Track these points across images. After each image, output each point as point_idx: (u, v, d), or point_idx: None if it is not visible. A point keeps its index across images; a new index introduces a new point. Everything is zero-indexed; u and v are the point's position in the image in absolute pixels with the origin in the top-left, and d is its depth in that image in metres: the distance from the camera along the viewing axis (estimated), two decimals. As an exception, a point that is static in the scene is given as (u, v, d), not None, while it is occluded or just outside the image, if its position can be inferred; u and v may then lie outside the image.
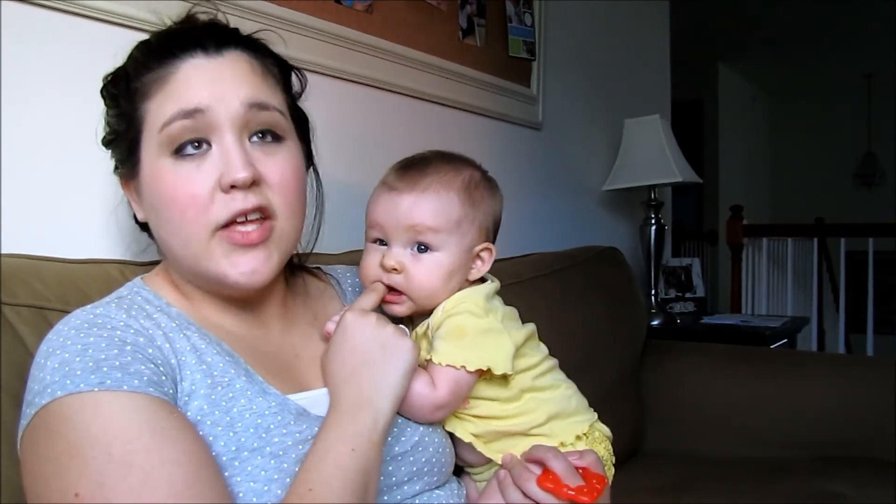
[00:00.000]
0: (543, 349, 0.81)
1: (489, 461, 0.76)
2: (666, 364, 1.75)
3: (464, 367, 0.70)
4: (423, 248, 0.74)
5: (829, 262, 3.99)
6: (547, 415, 0.75)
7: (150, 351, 0.62)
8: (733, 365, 1.69)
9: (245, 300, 0.72)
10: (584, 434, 0.77)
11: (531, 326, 0.79)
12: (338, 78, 1.35)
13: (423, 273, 0.74)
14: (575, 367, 1.42)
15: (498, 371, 0.71)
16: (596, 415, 0.81)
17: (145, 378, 0.58)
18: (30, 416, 0.57)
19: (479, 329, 0.73)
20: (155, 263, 0.81)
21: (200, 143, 0.65)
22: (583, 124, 2.25)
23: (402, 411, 0.71)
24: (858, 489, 1.31)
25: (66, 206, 0.94)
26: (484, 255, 0.78)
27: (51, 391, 0.56)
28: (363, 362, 0.67)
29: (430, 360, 0.72)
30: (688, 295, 2.54)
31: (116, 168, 0.73)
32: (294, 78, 0.77)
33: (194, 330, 0.67)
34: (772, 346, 2.14)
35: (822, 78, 5.69)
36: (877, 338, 3.29)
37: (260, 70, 0.69)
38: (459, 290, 0.76)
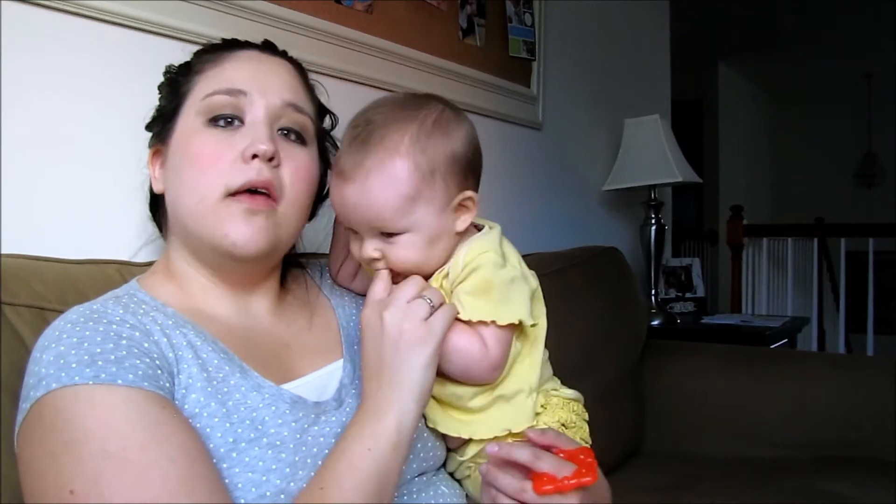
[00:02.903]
0: (543, 309, 0.77)
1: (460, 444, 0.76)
2: (666, 364, 1.75)
3: (494, 321, 0.68)
4: (391, 233, 0.70)
5: (830, 262, 3.99)
6: (529, 385, 0.73)
7: (146, 345, 0.62)
8: (733, 365, 1.69)
9: (237, 284, 0.74)
10: (543, 406, 0.75)
11: (537, 281, 0.77)
12: (338, 78, 1.35)
13: (402, 255, 0.71)
14: (575, 366, 1.42)
15: (527, 323, 0.70)
16: (558, 381, 0.79)
17: (140, 372, 0.59)
18: (25, 411, 0.57)
19: (504, 280, 0.70)
20: (151, 264, 0.81)
21: (233, 119, 0.70)
22: (583, 124, 2.25)
23: (458, 375, 0.70)
24: (858, 489, 1.31)
25: (66, 207, 0.94)
26: (467, 202, 0.72)
27: (45, 384, 0.56)
28: (380, 364, 0.66)
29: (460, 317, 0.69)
30: (688, 295, 2.54)
31: (151, 142, 0.77)
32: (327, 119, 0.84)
33: (190, 328, 0.68)
34: (772, 346, 2.14)
35: (822, 78, 5.69)
36: (877, 338, 3.29)
37: (300, 80, 0.77)
38: (452, 245, 0.73)
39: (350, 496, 0.59)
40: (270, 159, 0.69)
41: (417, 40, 1.52)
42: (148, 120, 0.78)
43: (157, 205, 0.80)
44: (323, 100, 0.84)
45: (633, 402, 1.65)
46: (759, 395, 1.61)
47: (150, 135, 0.78)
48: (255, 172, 0.68)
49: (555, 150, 2.09)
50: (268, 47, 0.78)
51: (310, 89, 0.80)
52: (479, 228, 0.77)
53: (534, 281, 0.76)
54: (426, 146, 0.69)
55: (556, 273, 1.51)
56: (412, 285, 0.69)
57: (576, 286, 1.55)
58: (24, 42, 0.89)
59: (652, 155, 2.18)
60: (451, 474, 0.80)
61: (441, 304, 0.69)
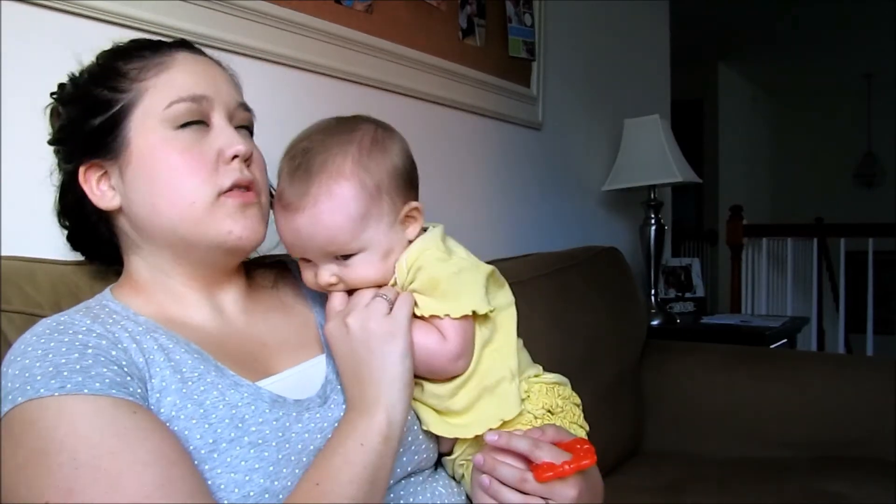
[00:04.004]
0: (508, 294, 0.78)
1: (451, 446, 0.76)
2: (666, 364, 1.75)
3: (447, 315, 0.69)
4: (346, 256, 0.71)
5: (829, 262, 3.99)
6: (510, 370, 0.73)
7: (114, 353, 0.61)
8: (733, 365, 1.69)
9: (211, 282, 0.74)
10: (526, 392, 0.75)
11: (491, 267, 0.76)
12: (338, 78, 1.35)
13: (359, 274, 0.72)
14: (575, 366, 1.42)
15: (481, 312, 0.70)
16: (540, 367, 0.80)
17: (107, 380, 0.58)
18: None
19: (450, 273, 0.71)
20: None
21: (201, 123, 0.71)
22: (583, 124, 2.25)
23: (422, 371, 0.71)
24: (858, 489, 1.31)
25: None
26: (413, 213, 0.74)
27: (11, 398, 0.56)
28: (357, 367, 0.68)
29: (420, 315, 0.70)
30: (688, 295, 2.54)
31: (70, 161, 0.72)
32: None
33: (162, 332, 0.68)
34: (772, 346, 2.14)
35: (822, 78, 5.69)
36: (877, 338, 3.28)
37: (232, 77, 0.78)
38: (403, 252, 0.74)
39: (346, 490, 0.60)
40: (246, 158, 0.72)
41: (417, 40, 1.52)
42: (50, 136, 0.74)
43: (84, 227, 0.76)
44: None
45: (633, 402, 1.64)
46: (759, 395, 1.61)
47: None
48: (239, 172, 0.70)
49: (555, 150, 2.09)
50: (191, 47, 0.76)
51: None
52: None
53: (487, 266, 0.76)
54: (368, 165, 0.70)
55: (556, 273, 1.51)
56: (366, 291, 0.72)
57: (576, 286, 1.55)
58: (24, 42, 0.89)
59: (652, 155, 2.18)
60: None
61: (397, 298, 0.70)
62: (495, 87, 1.78)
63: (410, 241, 0.74)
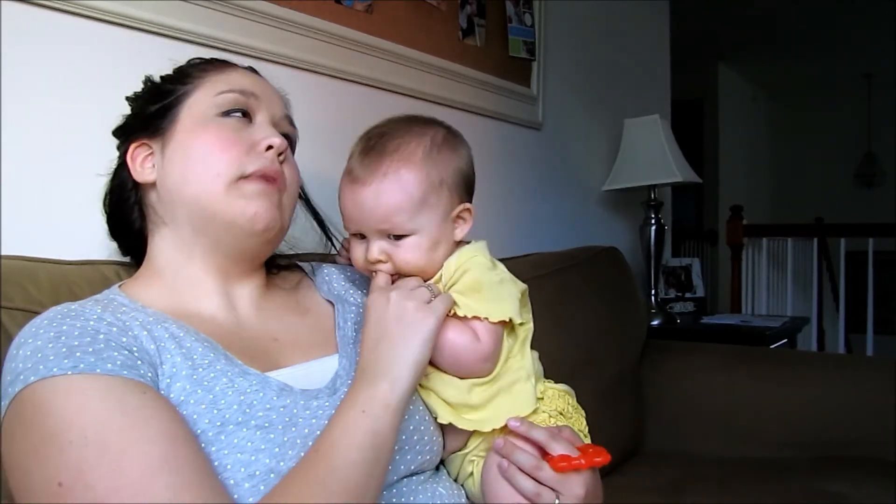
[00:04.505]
0: (529, 313, 0.82)
1: (464, 444, 0.78)
2: (666, 364, 1.75)
3: (487, 318, 0.73)
4: (398, 236, 0.75)
5: (829, 262, 3.99)
6: (526, 371, 0.78)
7: (125, 339, 0.62)
8: (733, 365, 1.69)
9: (229, 272, 0.76)
10: (542, 393, 0.79)
11: (525, 285, 0.82)
12: (338, 78, 1.35)
13: (407, 256, 0.76)
14: (575, 367, 1.42)
15: (516, 321, 0.75)
16: (550, 381, 0.84)
17: (119, 363, 0.59)
18: (5, 408, 0.57)
19: (494, 281, 0.76)
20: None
21: (245, 115, 0.76)
22: (583, 124, 2.25)
23: (448, 366, 0.74)
24: (858, 489, 1.31)
25: (66, 207, 0.94)
26: (464, 214, 0.79)
27: (23, 378, 0.56)
28: (381, 336, 0.69)
29: (456, 314, 0.73)
30: (688, 295, 2.54)
31: (125, 142, 0.79)
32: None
33: (172, 322, 0.69)
34: (772, 346, 2.14)
35: (822, 78, 5.69)
36: (877, 338, 3.28)
37: (285, 101, 0.84)
38: (449, 252, 0.78)
39: (346, 455, 0.60)
40: (280, 153, 0.75)
41: (417, 40, 1.52)
42: (117, 125, 0.81)
43: (123, 212, 0.80)
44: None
45: (633, 402, 1.64)
46: (759, 395, 1.61)
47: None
48: (269, 161, 0.74)
49: (555, 150, 2.09)
50: (254, 70, 0.84)
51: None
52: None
53: (522, 284, 0.81)
54: (437, 159, 0.76)
55: (556, 273, 1.51)
56: (414, 278, 0.76)
57: (576, 286, 1.55)
58: (25, 42, 0.89)
59: (652, 155, 2.18)
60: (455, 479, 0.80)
61: (439, 294, 0.74)
62: (495, 87, 1.78)
63: (457, 243, 0.79)
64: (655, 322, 2.19)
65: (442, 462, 0.80)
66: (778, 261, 3.64)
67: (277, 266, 0.87)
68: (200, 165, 0.73)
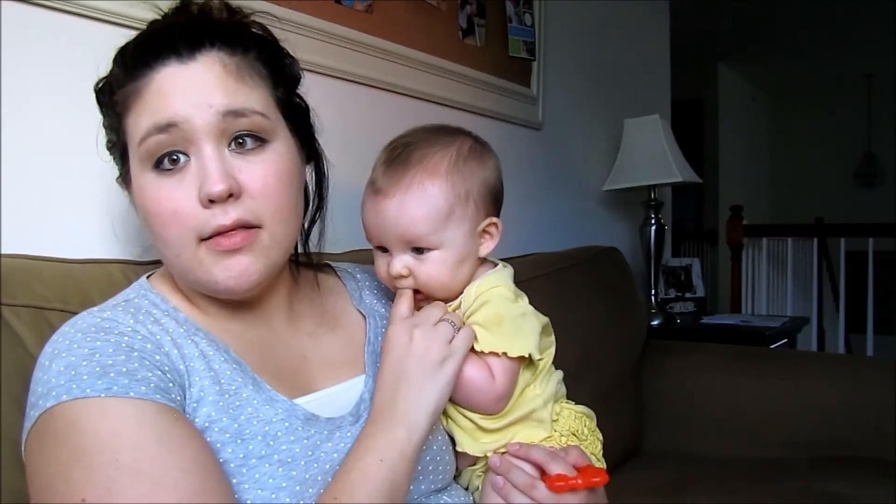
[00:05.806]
0: (552, 337, 0.81)
1: (475, 461, 0.77)
2: (666, 364, 1.75)
3: (505, 353, 0.71)
4: (422, 250, 0.73)
5: (829, 262, 3.99)
6: (542, 399, 0.76)
7: (158, 357, 0.61)
8: (733, 365, 1.69)
9: (247, 302, 0.71)
10: (557, 414, 0.78)
11: (546, 318, 0.80)
12: (338, 78, 1.35)
13: (431, 272, 0.73)
14: (575, 366, 1.41)
15: (535, 357, 0.72)
16: (571, 402, 0.82)
17: (152, 385, 0.58)
18: (34, 419, 0.56)
19: (515, 314, 0.74)
20: (157, 263, 0.81)
21: (178, 156, 0.64)
22: (583, 124, 2.25)
23: (461, 402, 0.73)
24: (858, 489, 1.31)
25: (66, 206, 0.94)
26: (490, 229, 0.76)
27: (55, 394, 0.56)
28: (401, 377, 0.68)
29: (473, 347, 0.72)
30: (688, 295, 2.54)
31: (119, 174, 0.72)
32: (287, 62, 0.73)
33: (202, 336, 0.67)
34: (772, 346, 2.14)
35: (822, 78, 5.69)
36: (877, 338, 3.28)
37: (236, 71, 0.65)
38: (474, 270, 0.76)
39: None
40: (229, 196, 0.62)
41: (417, 40, 1.52)
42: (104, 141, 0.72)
43: None
44: (269, 31, 0.72)
45: (633, 402, 1.65)
46: (759, 395, 1.61)
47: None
48: (221, 215, 0.62)
49: (555, 150, 2.09)
50: (186, 47, 0.64)
51: (250, 67, 0.67)
52: (494, 265, 0.80)
53: (544, 317, 0.79)
54: (463, 171, 0.73)
55: (556, 273, 1.51)
56: (437, 308, 0.73)
57: (576, 286, 1.55)
58: (24, 42, 0.89)
59: (652, 155, 2.18)
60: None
61: (461, 328, 0.72)
62: (495, 87, 1.78)
63: (482, 259, 0.77)
64: (655, 322, 2.19)
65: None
66: (778, 261, 3.64)
67: (308, 266, 0.82)
68: (160, 242, 0.66)
